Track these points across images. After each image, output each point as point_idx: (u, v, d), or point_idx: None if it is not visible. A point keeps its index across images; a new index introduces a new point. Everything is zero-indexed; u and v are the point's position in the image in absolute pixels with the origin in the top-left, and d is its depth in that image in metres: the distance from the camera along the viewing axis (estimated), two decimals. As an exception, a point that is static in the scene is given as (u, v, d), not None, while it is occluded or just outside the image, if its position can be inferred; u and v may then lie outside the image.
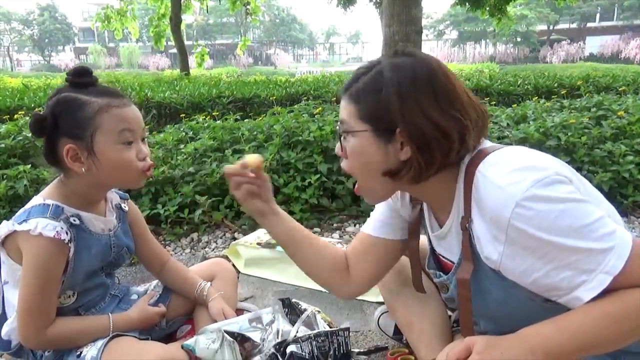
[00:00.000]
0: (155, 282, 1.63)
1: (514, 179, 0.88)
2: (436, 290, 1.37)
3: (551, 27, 42.73)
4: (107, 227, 1.36)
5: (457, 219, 1.03)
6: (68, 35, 53.26)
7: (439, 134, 0.94)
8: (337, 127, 1.08)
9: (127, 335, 1.32)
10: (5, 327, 1.27)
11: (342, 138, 1.05)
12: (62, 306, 1.29)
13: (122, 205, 1.46)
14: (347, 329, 1.32)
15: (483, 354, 0.89)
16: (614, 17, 42.00)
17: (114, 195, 1.44)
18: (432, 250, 1.20)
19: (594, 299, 0.87)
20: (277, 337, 1.42)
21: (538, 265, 0.89)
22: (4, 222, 1.23)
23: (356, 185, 1.11)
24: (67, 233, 1.21)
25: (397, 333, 1.55)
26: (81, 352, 1.26)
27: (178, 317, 1.59)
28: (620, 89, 5.46)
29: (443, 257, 1.15)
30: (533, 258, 0.89)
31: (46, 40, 51.40)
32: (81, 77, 1.26)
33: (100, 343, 1.26)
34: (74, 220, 1.25)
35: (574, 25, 44.23)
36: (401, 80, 0.95)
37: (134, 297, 1.52)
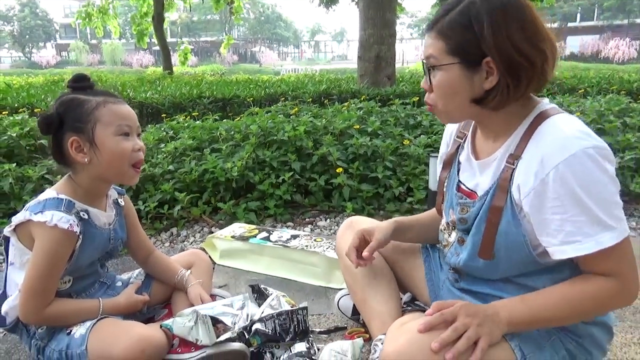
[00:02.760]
0: (137, 271, 1.78)
1: (581, 135, 1.01)
2: (392, 275, 1.56)
3: (532, 27, 43.13)
4: (107, 221, 1.53)
5: (505, 152, 1.13)
6: (49, 32, 52.47)
7: (527, 62, 1.04)
8: (424, 62, 1.17)
9: (112, 318, 1.48)
10: (5, 305, 1.42)
11: (429, 72, 1.13)
12: (57, 290, 1.43)
13: (119, 200, 1.62)
14: (305, 308, 1.49)
15: (469, 316, 1.07)
16: (594, 17, 42.69)
17: (112, 192, 1.60)
18: (458, 179, 1.31)
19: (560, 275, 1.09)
20: (247, 321, 1.59)
21: (553, 210, 1.02)
22: (21, 211, 1.38)
23: (431, 107, 1.20)
24: (78, 225, 1.37)
25: (355, 314, 1.72)
26: (71, 330, 1.41)
27: (158, 304, 1.74)
28: (579, 91, 5.68)
29: (464, 185, 1.27)
30: (555, 202, 1.02)
31: (27, 36, 50.56)
32: (80, 82, 1.44)
33: (88, 323, 1.41)
34: (83, 215, 1.42)
35: (555, 25, 44.77)
36: (492, 13, 1.03)
37: (119, 284, 1.67)
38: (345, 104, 4.56)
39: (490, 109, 1.12)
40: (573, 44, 38.93)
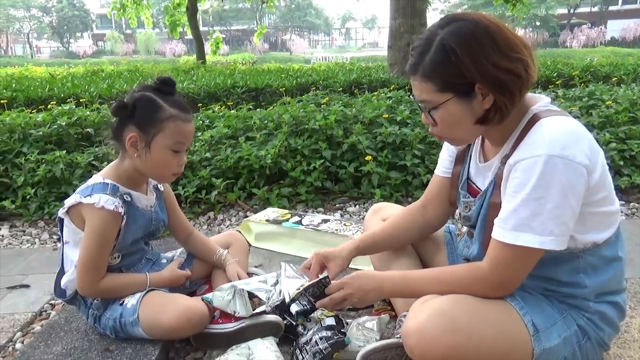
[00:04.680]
0: (179, 250, 1.92)
1: (556, 141, 1.06)
2: (415, 254, 1.67)
3: (571, 11, 41.65)
4: (149, 204, 1.67)
5: (501, 155, 1.22)
6: (86, 22, 53.51)
7: (512, 76, 1.10)
8: (418, 105, 1.23)
9: (159, 290, 1.63)
10: (64, 279, 1.58)
11: (429, 112, 1.19)
12: (110, 265, 1.59)
13: (159, 185, 1.76)
14: (327, 277, 1.54)
15: (347, 286, 1.35)
16: (636, 0, 40.96)
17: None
18: (467, 177, 1.39)
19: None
20: (280, 296, 1.71)
21: (507, 196, 1.13)
22: (72, 195, 1.53)
23: (439, 138, 1.29)
24: (122, 207, 1.51)
25: None
26: (124, 302, 1.56)
27: (199, 279, 1.89)
28: (613, 79, 5.56)
29: (474, 183, 1.35)
30: (508, 189, 1.13)
31: (65, 27, 51.72)
32: (165, 86, 1.55)
33: (138, 295, 1.57)
34: (127, 198, 1.56)
35: (595, 9, 43.21)
36: (466, 44, 1.08)
37: (164, 261, 1.82)
38: (375, 93, 4.58)
39: (494, 124, 1.18)
40: (614, 28, 37.46)
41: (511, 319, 1.18)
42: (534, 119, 1.15)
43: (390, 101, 4.06)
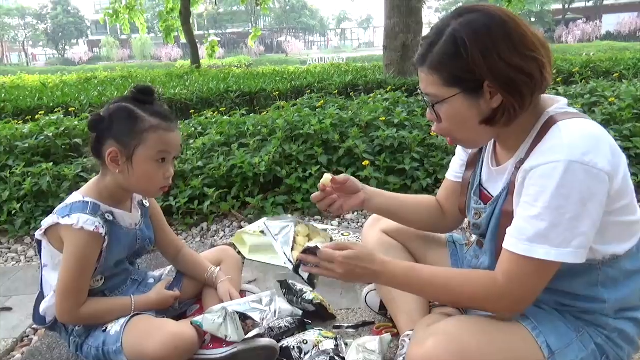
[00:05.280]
0: (168, 267, 1.82)
1: (576, 146, 0.98)
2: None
3: (566, 6, 41.77)
4: (133, 221, 1.57)
5: (515, 159, 1.14)
6: (81, 29, 53.61)
7: (524, 76, 1.02)
8: (423, 98, 1.16)
9: (145, 314, 1.53)
10: (43, 305, 1.49)
11: (433, 107, 1.13)
12: (92, 288, 1.49)
13: (144, 201, 1.67)
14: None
15: (345, 261, 1.17)
16: (631, -6, 40.99)
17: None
18: (479, 183, 1.32)
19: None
20: (275, 316, 1.61)
21: (522, 205, 1.05)
22: (50, 215, 1.43)
23: (450, 139, 1.20)
24: (103, 227, 1.42)
25: (382, 309, 1.73)
26: (107, 328, 1.47)
27: (189, 300, 1.79)
28: (615, 74, 5.48)
29: (485, 190, 1.28)
30: (524, 198, 1.04)
31: (60, 34, 51.80)
32: (143, 95, 1.45)
33: (122, 320, 1.47)
34: (108, 217, 1.46)
35: (590, 3, 43.28)
36: (478, 37, 1.02)
37: (151, 281, 1.72)
38: (372, 95, 4.52)
39: (501, 126, 1.11)
40: (609, 22, 37.52)
41: (524, 343, 1.11)
42: (550, 122, 1.07)
43: (387, 103, 3.99)
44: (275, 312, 1.62)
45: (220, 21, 53.27)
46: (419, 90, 1.21)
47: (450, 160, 3.11)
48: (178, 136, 1.49)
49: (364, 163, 3.08)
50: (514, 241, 1.04)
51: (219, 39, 14.04)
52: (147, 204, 1.68)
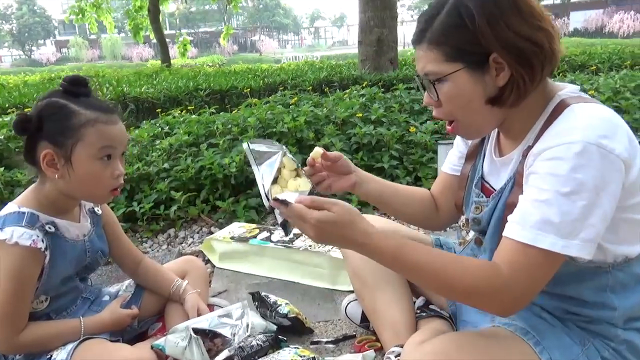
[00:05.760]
0: (127, 281, 1.65)
1: (593, 127, 0.90)
2: (403, 278, 1.41)
3: (535, 3, 42.53)
4: (81, 232, 1.39)
5: (522, 147, 1.06)
6: (48, 29, 52.46)
7: (534, 46, 0.96)
8: (419, 79, 1.08)
9: (97, 338, 1.35)
10: None
11: (434, 86, 1.04)
12: (35, 311, 1.32)
13: (96, 209, 1.49)
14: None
15: (318, 224, 0.98)
16: (597, -9, 41.99)
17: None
18: (481, 176, 1.23)
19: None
20: (247, 331, 1.46)
21: (527, 188, 0.96)
22: None
23: (452, 125, 1.10)
24: (42, 241, 1.24)
25: (364, 321, 1.60)
26: (51, 356, 1.29)
27: (150, 317, 1.62)
28: (591, 67, 5.49)
29: (487, 183, 1.19)
30: (531, 180, 0.95)
31: (26, 34, 50.57)
32: (76, 86, 1.28)
33: (70, 346, 1.29)
34: (49, 228, 1.28)
35: (558, 1, 44.16)
36: (484, 5, 0.95)
37: (106, 298, 1.55)
38: (347, 91, 4.44)
39: (509, 106, 1.02)
40: (576, 19, 38.33)
41: (525, 356, 1.02)
42: (563, 105, 0.99)
43: (364, 99, 3.92)
44: (247, 326, 1.47)
45: (192, 20, 52.69)
46: (415, 76, 1.11)
47: (430, 158, 3.10)
48: (122, 129, 1.32)
49: (340, 162, 2.94)
50: (517, 228, 0.94)
51: (192, 39, 13.79)
52: (99, 211, 1.50)
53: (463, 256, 1.02)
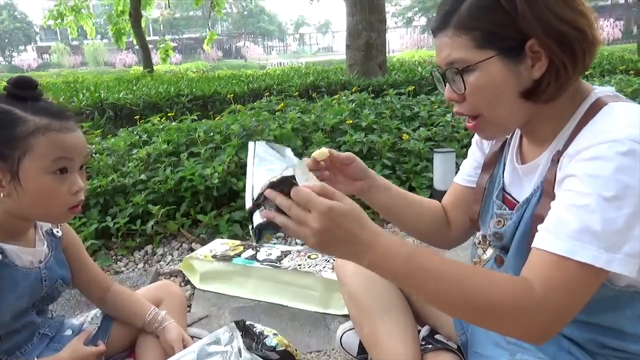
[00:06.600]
0: (94, 312, 1.46)
1: (638, 122, 0.80)
2: (406, 304, 1.28)
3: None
4: (36, 258, 1.20)
5: (551, 152, 0.94)
6: (29, 35, 51.83)
7: (575, 31, 0.86)
8: (441, 71, 0.96)
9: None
10: None
11: (461, 76, 0.91)
12: None
13: (55, 230, 1.29)
14: (292, 176, 0.89)
15: (318, 215, 0.79)
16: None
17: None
18: (502, 187, 1.10)
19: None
20: (240, 356, 1.28)
21: (562, 192, 0.84)
22: None
23: (475, 121, 0.97)
24: None
25: (362, 352, 1.44)
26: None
27: (119, 353, 1.43)
28: (586, 72, 5.44)
29: (509, 194, 1.07)
30: (566, 184, 0.83)
31: (6, 40, 49.89)
32: (22, 89, 1.08)
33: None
34: None
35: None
36: None
37: (68, 333, 1.35)
38: (335, 96, 4.32)
39: (544, 101, 0.90)
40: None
41: None
42: (599, 104, 0.88)
43: (353, 105, 3.80)
44: (239, 350, 1.29)
45: (176, 26, 52.42)
46: (433, 68, 0.95)
47: (424, 166, 2.95)
48: (80, 137, 1.13)
49: (330, 171, 2.78)
50: (551, 237, 0.81)
51: (176, 45, 13.63)
52: (59, 233, 1.31)
53: (487, 269, 0.89)
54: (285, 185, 0.83)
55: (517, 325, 0.81)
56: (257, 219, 0.86)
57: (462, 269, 0.83)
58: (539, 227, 0.85)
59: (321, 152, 1.05)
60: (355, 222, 0.82)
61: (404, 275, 0.82)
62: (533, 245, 0.84)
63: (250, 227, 0.88)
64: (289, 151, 1.03)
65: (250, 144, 1.02)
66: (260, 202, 0.85)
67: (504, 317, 0.81)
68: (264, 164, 0.96)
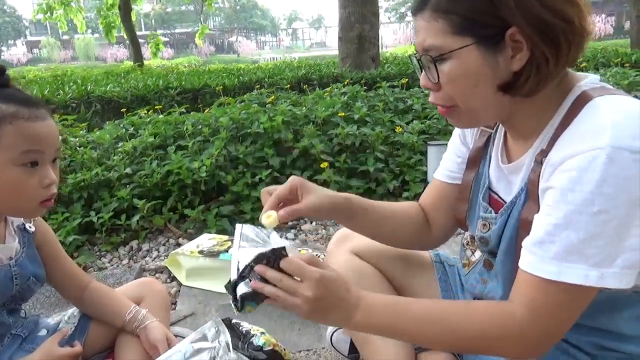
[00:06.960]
0: (71, 310, 1.39)
1: (622, 127, 0.75)
2: None
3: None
4: (6, 255, 1.14)
5: (535, 150, 0.90)
6: (19, 29, 51.32)
7: (562, 21, 0.80)
8: (417, 57, 0.91)
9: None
10: None
11: (435, 64, 0.87)
12: None
13: (27, 225, 1.22)
14: (283, 247, 0.98)
15: (310, 284, 0.83)
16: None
17: None
18: (488, 185, 1.06)
19: None
20: (228, 350, 1.23)
21: (544, 207, 0.81)
22: None
23: (447, 109, 0.91)
24: None
25: (353, 351, 1.39)
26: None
27: (97, 354, 1.37)
28: (582, 65, 5.43)
29: (496, 193, 1.03)
30: (547, 198, 0.81)
31: (-5, 34, 49.41)
32: None
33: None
34: None
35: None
36: None
37: (43, 333, 1.29)
38: (328, 89, 4.25)
39: (524, 95, 0.85)
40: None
41: None
42: (584, 99, 0.82)
43: (346, 97, 3.72)
44: (227, 344, 1.25)
45: (168, 21, 52.12)
46: (412, 53, 0.92)
47: (418, 160, 2.90)
48: (52, 127, 1.06)
49: (321, 165, 2.78)
50: (535, 259, 0.79)
51: (168, 39, 13.53)
52: (32, 228, 1.24)
53: (467, 302, 0.93)
54: (274, 257, 0.86)
55: (507, 351, 0.84)
56: (242, 289, 0.89)
57: (441, 308, 0.88)
58: (524, 243, 0.83)
59: (271, 220, 1.01)
60: (342, 288, 0.87)
61: (391, 326, 0.87)
62: (519, 264, 0.83)
63: (231, 298, 0.91)
64: (274, 234, 1.03)
65: (238, 226, 1.04)
66: (246, 274, 0.88)
67: (493, 347, 0.84)
68: (251, 243, 1.00)
